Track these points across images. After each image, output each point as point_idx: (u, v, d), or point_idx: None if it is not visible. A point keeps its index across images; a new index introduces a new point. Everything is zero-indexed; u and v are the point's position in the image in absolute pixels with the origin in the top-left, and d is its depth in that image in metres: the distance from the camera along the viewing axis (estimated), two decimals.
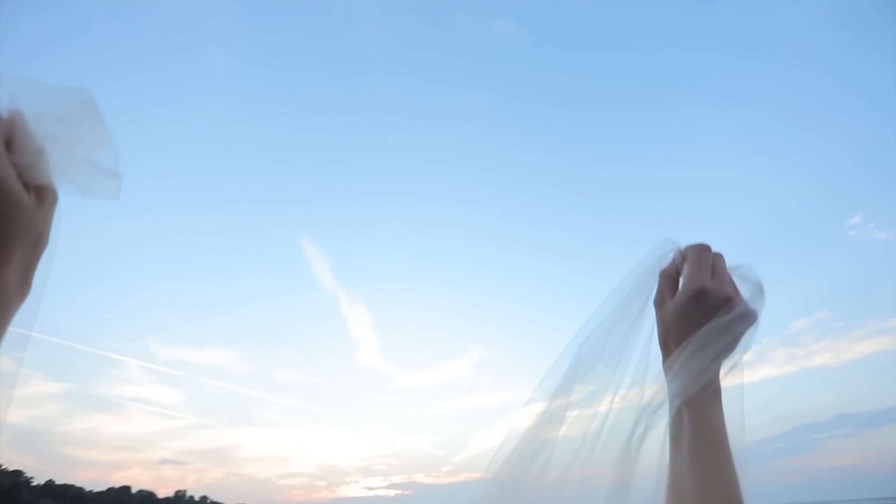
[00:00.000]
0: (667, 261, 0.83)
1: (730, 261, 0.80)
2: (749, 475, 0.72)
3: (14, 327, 0.55)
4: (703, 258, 0.78)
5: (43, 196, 0.56)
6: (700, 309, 0.76)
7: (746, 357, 0.79)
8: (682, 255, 0.81)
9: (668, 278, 0.82)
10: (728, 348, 0.76)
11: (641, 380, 0.82)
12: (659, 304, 0.82)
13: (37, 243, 0.56)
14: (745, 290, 0.78)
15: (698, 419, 0.74)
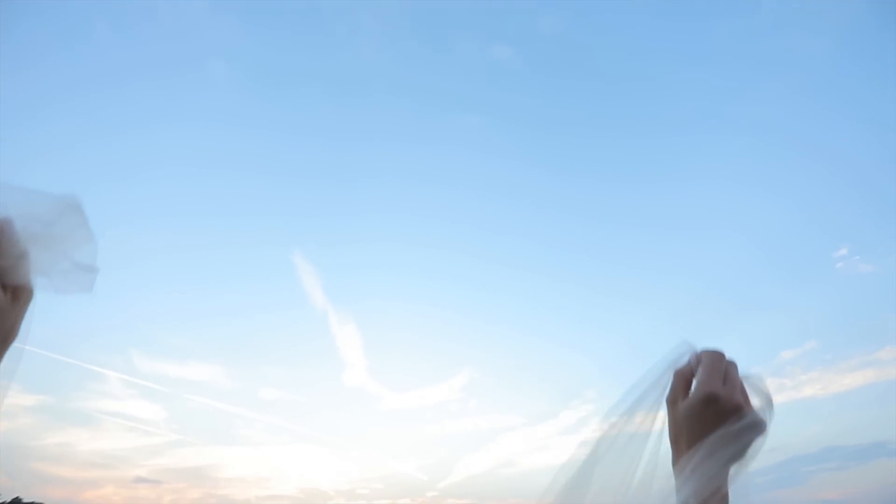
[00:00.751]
0: (682, 361, 0.87)
1: (742, 368, 0.85)
2: None
3: None
4: (716, 364, 0.83)
5: (19, 294, 0.61)
6: (710, 414, 0.79)
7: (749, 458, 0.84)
8: (698, 358, 0.85)
9: (682, 378, 0.86)
10: (737, 455, 0.79)
11: (651, 476, 0.86)
12: (671, 402, 0.85)
13: (6, 337, 0.61)
14: (755, 400, 0.83)
15: None
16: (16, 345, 0.62)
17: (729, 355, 0.84)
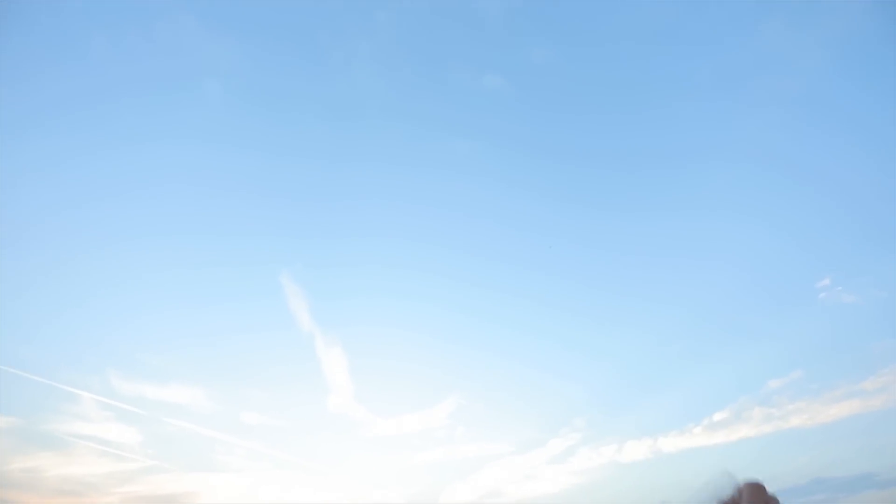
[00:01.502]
0: (724, 494, 0.90)
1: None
2: None
3: None
4: (759, 498, 0.86)
5: None
6: None
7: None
8: (740, 491, 0.89)
9: None
10: None
11: None
12: None
13: None
14: None
15: None
16: None
17: (770, 490, 0.88)
